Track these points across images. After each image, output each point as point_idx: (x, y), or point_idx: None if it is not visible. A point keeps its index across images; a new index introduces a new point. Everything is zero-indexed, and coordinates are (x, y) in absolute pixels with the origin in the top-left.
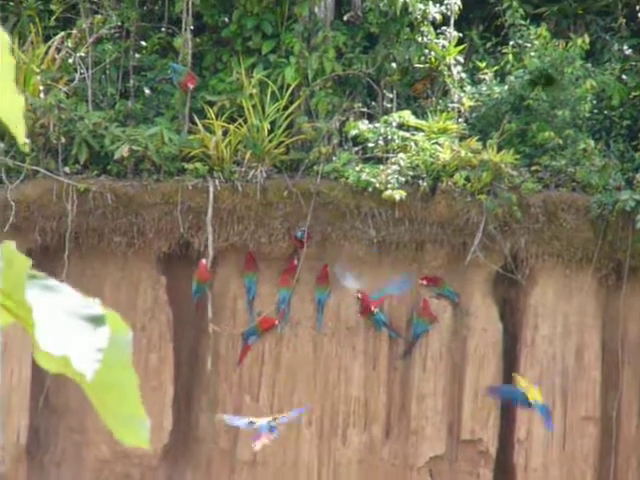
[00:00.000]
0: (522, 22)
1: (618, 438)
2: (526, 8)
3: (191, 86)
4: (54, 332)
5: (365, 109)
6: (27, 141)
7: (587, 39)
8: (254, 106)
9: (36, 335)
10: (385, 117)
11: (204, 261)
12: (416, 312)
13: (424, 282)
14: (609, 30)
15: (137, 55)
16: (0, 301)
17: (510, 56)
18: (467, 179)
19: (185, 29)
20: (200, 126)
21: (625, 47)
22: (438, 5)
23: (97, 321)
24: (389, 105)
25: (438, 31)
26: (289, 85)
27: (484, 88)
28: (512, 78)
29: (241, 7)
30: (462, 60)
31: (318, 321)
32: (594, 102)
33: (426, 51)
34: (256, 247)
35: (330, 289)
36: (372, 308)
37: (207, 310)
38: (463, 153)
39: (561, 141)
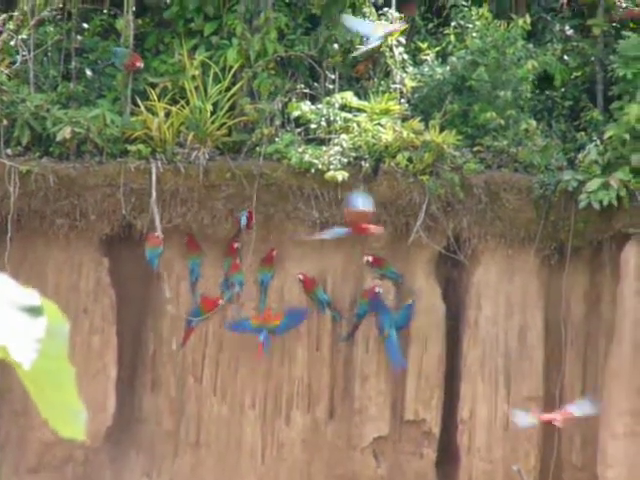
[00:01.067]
0: (463, 3)
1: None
2: None
3: (139, 65)
4: None
5: (307, 90)
6: None
7: (528, 19)
8: (196, 88)
9: None
10: (327, 98)
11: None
12: (360, 293)
13: (370, 259)
14: (550, 10)
15: (79, 37)
16: None
17: (452, 37)
18: (409, 160)
19: (127, 11)
20: (142, 108)
21: (566, 27)
22: None
23: (35, 312)
24: (331, 86)
25: (380, 12)
26: (231, 67)
27: (426, 69)
28: (454, 59)
29: None
30: (404, 41)
31: (261, 302)
32: (536, 83)
33: None
34: (199, 229)
35: (274, 271)
36: (314, 286)
37: (162, 291)
38: (405, 134)
39: (503, 122)
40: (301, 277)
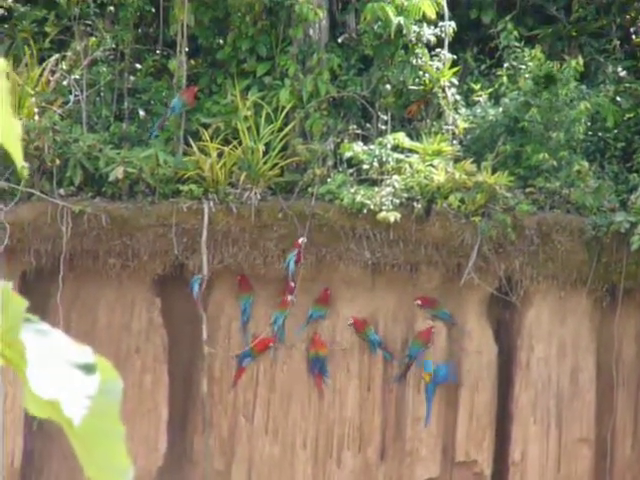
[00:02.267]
0: (516, 44)
1: (613, 460)
2: (520, 30)
3: (193, 97)
4: (45, 375)
5: (359, 131)
6: (25, 164)
7: (581, 61)
8: (249, 128)
9: (27, 376)
10: (380, 139)
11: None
12: (413, 334)
13: (419, 302)
14: (603, 52)
15: (132, 77)
16: None
17: (504, 78)
18: (461, 201)
19: (180, 51)
20: (195, 148)
21: (619, 69)
22: (432, 27)
23: (88, 368)
24: (383, 127)
25: (432, 53)
26: (284, 107)
27: (478, 110)
28: (506, 100)
29: (236, 29)
30: (456, 82)
31: (303, 331)
32: (588, 124)
33: (420, 73)
34: (250, 269)
35: (327, 310)
36: (365, 326)
37: (202, 332)
38: (457, 175)
39: (555, 163)
40: (351, 321)
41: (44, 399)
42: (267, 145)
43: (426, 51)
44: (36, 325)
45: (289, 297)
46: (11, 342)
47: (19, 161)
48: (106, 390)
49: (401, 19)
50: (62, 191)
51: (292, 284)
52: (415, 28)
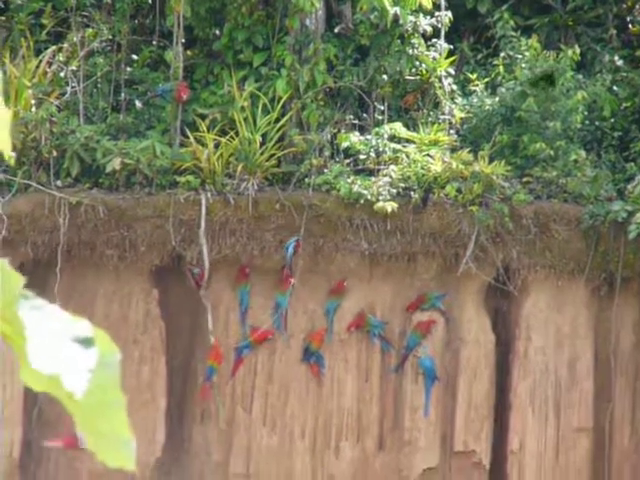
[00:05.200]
0: (513, 34)
1: (611, 449)
2: (517, 20)
3: (184, 96)
4: (44, 350)
5: (356, 121)
6: (12, 154)
7: (578, 50)
8: (245, 119)
9: (26, 352)
10: (376, 129)
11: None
12: (412, 325)
13: (411, 310)
14: (600, 41)
15: (128, 68)
16: None
17: (501, 67)
18: (458, 191)
19: (176, 42)
20: (192, 139)
21: (616, 58)
22: (429, 17)
23: (86, 342)
24: (380, 117)
25: (429, 43)
26: (280, 98)
27: (475, 100)
28: (503, 90)
29: (232, 20)
30: (453, 72)
31: (329, 331)
32: (585, 113)
33: (417, 63)
34: (248, 260)
35: (341, 301)
36: (364, 320)
37: (207, 322)
38: (454, 165)
39: (552, 152)
40: (351, 328)
41: (44, 374)
42: (264, 136)
43: (422, 41)
44: (32, 301)
45: (291, 280)
46: (9, 318)
47: (7, 150)
48: (105, 363)
49: (397, 9)
50: (59, 182)
51: (288, 271)
52: (411, 18)
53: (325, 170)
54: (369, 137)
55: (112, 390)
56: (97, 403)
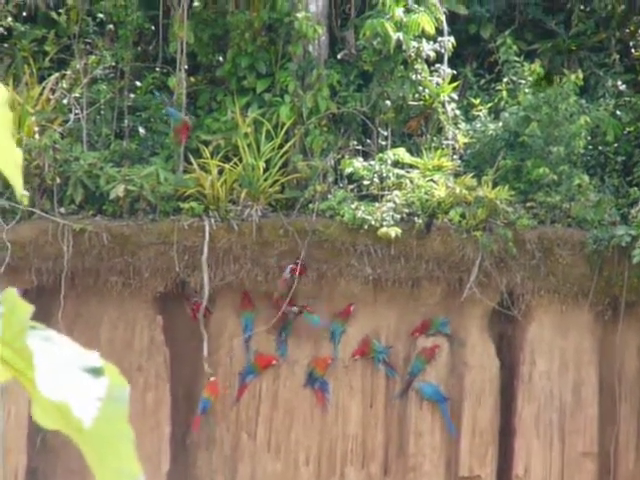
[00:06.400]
0: (516, 58)
1: (616, 474)
2: (520, 45)
3: (183, 138)
4: (54, 379)
5: (360, 147)
6: (25, 193)
7: (581, 75)
8: (249, 145)
9: (35, 381)
10: (380, 155)
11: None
12: (417, 351)
13: (416, 335)
14: (603, 66)
15: (131, 95)
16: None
17: (504, 92)
18: (462, 216)
19: (179, 69)
20: (195, 165)
21: (619, 83)
22: (432, 43)
23: (96, 372)
24: (384, 143)
25: (432, 68)
26: (284, 124)
27: (478, 125)
28: (506, 114)
29: (235, 46)
30: (456, 97)
31: (335, 353)
32: (588, 138)
33: (420, 88)
34: (252, 286)
35: (347, 325)
36: (369, 346)
37: (203, 349)
38: (458, 190)
39: (556, 177)
40: (356, 356)
41: (53, 403)
42: (267, 162)
43: (425, 66)
44: (42, 332)
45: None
46: (18, 348)
47: (19, 189)
48: (114, 396)
49: (400, 35)
50: (63, 209)
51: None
52: (414, 44)
53: (329, 196)
54: (372, 163)
55: (121, 423)
56: (105, 436)
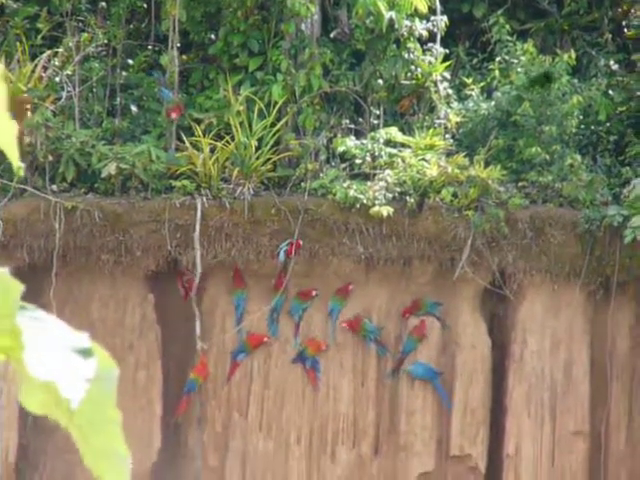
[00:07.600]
0: (508, 38)
1: (607, 453)
2: (512, 24)
3: (174, 116)
4: (42, 359)
5: (352, 126)
6: (22, 165)
7: (573, 55)
8: (241, 123)
9: (24, 360)
10: (372, 133)
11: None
12: (408, 330)
13: (407, 315)
14: (595, 45)
15: (124, 73)
16: None
17: (496, 72)
18: (454, 195)
19: (172, 47)
20: (187, 143)
21: (611, 62)
22: (424, 22)
23: (85, 353)
24: (376, 122)
25: (424, 47)
26: (276, 102)
27: (471, 104)
28: (499, 94)
29: (227, 24)
30: (448, 76)
31: (331, 331)
32: (581, 117)
33: (412, 67)
34: (244, 264)
35: (345, 303)
36: (360, 325)
37: (195, 327)
38: (450, 169)
39: (548, 157)
40: (345, 325)
41: (41, 383)
42: (260, 140)
43: (418, 45)
44: (32, 312)
45: (314, 292)
46: (8, 329)
47: (16, 162)
48: (102, 377)
49: (393, 13)
50: (55, 187)
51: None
52: (407, 22)
53: (321, 174)
54: (365, 141)
55: (108, 405)
56: (92, 418)
